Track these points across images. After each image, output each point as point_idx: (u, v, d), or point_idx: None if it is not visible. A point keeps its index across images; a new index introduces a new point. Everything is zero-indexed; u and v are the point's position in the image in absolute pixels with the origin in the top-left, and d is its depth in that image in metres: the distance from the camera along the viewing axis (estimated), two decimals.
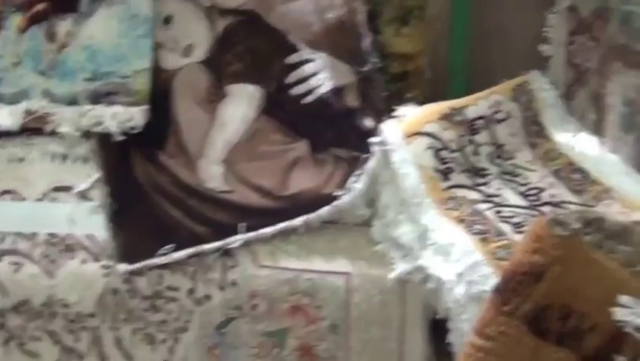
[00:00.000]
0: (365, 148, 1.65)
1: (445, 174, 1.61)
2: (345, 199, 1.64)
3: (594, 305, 1.22)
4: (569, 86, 1.82)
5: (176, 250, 1.60)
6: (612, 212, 1.50)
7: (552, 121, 1.77)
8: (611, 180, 1.62)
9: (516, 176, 1.67)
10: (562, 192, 1.63)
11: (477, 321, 1.31)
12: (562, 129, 1.75)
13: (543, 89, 1.80)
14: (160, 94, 1.72)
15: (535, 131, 1.75)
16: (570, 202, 1.59)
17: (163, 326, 1.60)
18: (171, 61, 1.74)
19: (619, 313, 1.18)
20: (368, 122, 1.70)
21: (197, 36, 1.75)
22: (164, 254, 1.60)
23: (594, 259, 1.23)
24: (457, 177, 1.62)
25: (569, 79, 1.82)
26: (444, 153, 1.63)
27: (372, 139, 1.64)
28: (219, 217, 1.64)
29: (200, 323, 1.60)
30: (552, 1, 1.82)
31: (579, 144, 1.71)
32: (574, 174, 1.66)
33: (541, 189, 1.64)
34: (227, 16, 1.75)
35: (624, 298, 1.18)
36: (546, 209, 1.57)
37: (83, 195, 1.68)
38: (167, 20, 1.75)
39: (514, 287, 1.26)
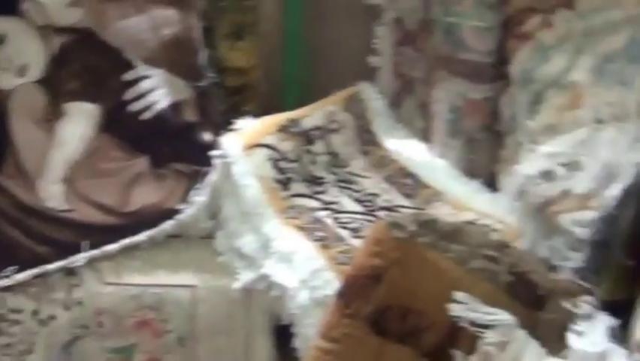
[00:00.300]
0: (205, 162, 1.66)
1: (285, 183, 1.65)
2: (187, 213, 1.65)
3: (431, 304, 1.26)
4: (397, 95, 1.88)
5: (18, 271, 1.57)
6: (443, 213, 1.57)
7: (382, 129, 1.83)
8: (440, 183, 1.70)
9: (351, 183, 1.72)
10: (395, 197, 1.69)
11: (322, 325, 1.34)
12: (392, 137, 1.81)
13: (373, 98, 1.86)
14: None
15: (367, 139, 1.80)
16: (403, 206, 1.65)
17: (7, 349, 1.57)
18: (5, 81, 1.70)
19: (454, 309, 1.22)
20: (207, 136, 1.71)
21: (31, 55, 1.71)
22: (6, 276, 1.57)
23: (429, 259, 1.28)
24: (297, 187, 1.66)
25: (396, 88, 1.88)
26: (283, 164, 1.66)
27: (213, 152, 1.66)
28: (61, 236, 1.62)
29: (46, 344, 1.58)
30: (379, 13, 1.88)
31: (409, 150, 1.78)
32: (405, 179, 1.72)
33: (376, 195, 1.69)
34: (63, 35, 1.71)
35: (459, 295, 1.22)
36: (381, 214, 1.62)
37: None
38: (0, 40, 1.71)
39: (356, 290, 1.29)
